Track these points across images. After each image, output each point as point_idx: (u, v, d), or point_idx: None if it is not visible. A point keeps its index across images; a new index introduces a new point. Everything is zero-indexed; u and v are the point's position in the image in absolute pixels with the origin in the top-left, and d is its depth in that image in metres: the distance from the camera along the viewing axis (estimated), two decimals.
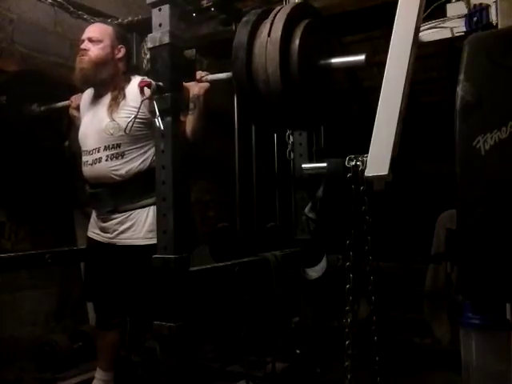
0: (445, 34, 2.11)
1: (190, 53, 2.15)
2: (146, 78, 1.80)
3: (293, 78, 1.66)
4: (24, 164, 2.72)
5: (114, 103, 2.11)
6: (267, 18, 1.74)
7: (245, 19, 1.75)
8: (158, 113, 1.58)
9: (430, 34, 2.11)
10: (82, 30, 2.19)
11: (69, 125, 2.44)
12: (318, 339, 2.43)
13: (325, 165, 1.66)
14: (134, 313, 2.40)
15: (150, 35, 1.64)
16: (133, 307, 2.24)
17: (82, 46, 2.15)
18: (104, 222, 2.17)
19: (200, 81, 2.00)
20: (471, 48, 1.31)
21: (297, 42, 1.66)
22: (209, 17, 2.51)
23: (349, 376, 1.46)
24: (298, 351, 2.44)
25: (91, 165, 2.14)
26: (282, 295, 2.21)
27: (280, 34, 1.63)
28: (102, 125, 2.11)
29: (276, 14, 1.70)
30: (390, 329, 3.30)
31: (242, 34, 1.70)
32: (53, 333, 2.92)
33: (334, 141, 2.95)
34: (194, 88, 1.99)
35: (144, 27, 2.02)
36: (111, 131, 2.08)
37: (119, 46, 2.17)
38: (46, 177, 2.87)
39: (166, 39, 1.59)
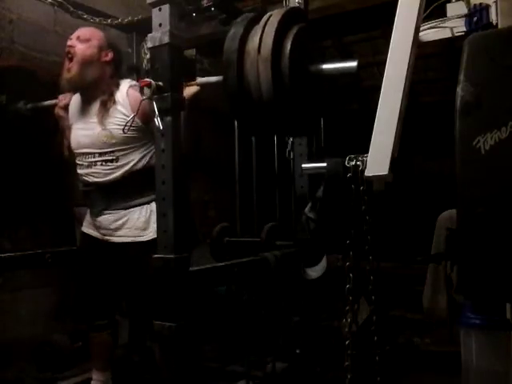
0: (445, 33, 2.10)
1: (190, 53, 2.14)
2: (136, 85, 1.76)
3: (285, 88, 1.63)
4: (22, 163, 2.71)
5: (104, 109, 2.10)
6: (255, 26, 1.67)
7: (232, 31, 1.67)
8: (157, 113, 1.58)
9: (429, 34, 2.11)
10: None
11: (56, 124, 2.39)
12: (318, 339, 2.43)
13: (325, 165, 1.66)
14: (129, 310, 2.41)
15: (149, 35, 1.64)
16: (127, 304, 2.24)
17: (69, 43, 2.10)
18: (98, 218, 2.19)
19: (189, 84, 1.94)
20: (471, 48, 1.31)
21: (287, 57, 1.62)
22: (209, 17, 2.51)
23: (349, 376, 1.46)
24: (297, 351, 2.44)
25: (87, 167, 2.16)
26: (282, 295, 2.21)
27: (270, 51, 1.59)
28: (95, 132, 2.11)
29: (265, 26, 1.65)
30: (389, 329, 3.30)
31: (231, 48, 1.64)
32: (53, 333, 2.92)
33: (334, 141, 2.95)
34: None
35: (144, 27, 2.01)
36: (104, 139, 2.09)
37: (107, 50, 2.13)
38: (45, 176, 2.87)
39: (166, 39, 1.59)
